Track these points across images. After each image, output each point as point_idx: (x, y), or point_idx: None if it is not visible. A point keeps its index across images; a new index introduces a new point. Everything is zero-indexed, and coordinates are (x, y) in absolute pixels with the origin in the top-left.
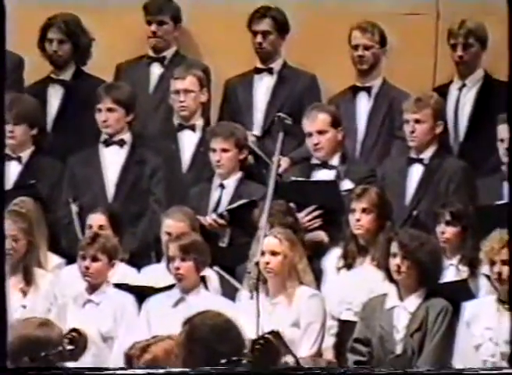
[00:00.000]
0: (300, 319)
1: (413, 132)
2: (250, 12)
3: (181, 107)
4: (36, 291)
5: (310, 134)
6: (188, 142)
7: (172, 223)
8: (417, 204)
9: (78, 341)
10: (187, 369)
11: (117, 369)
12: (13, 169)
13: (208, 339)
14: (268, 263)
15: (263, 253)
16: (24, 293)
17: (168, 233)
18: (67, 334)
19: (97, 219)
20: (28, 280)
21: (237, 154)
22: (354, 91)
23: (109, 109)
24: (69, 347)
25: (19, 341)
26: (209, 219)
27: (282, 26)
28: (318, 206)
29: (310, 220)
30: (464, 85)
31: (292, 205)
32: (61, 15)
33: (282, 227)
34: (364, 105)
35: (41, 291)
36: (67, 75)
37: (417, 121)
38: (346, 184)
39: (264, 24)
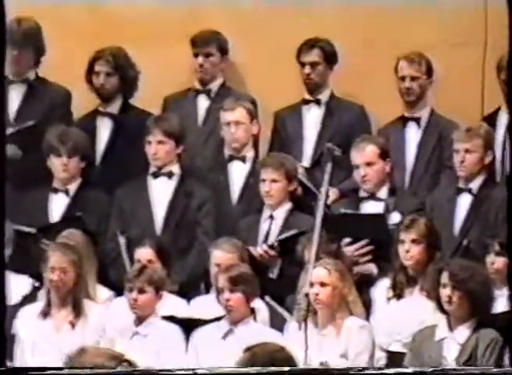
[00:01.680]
0: (349, 351)
1: (463, 162)
2: (295, 43)
3: (232, 139)
4: (85, 323)
5: (357, 166)
6: (238, 174)
7: (221, 255)
8: (467, 234)
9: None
10: (188, 369)
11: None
12: (61, 202)
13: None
14: (317, 294)
15: (312, 284)
16: (73, 325)
17: (218, 265)
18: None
19: (145, 253)
20: (77, 312)
21: (287, 185)
22: (403, 121)
23: (159, 142)
24: None
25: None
26: (259, 249)
27: (330, 57)
28: (367, 240)
29: (360, 254)
30: None
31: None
32: (108, 48)
33: (326, 256)
34: (413, 135)
35: (90, 323)
36: (114, 108)
37: (467, 151)
38: (395, 217)
39: (313, 55)
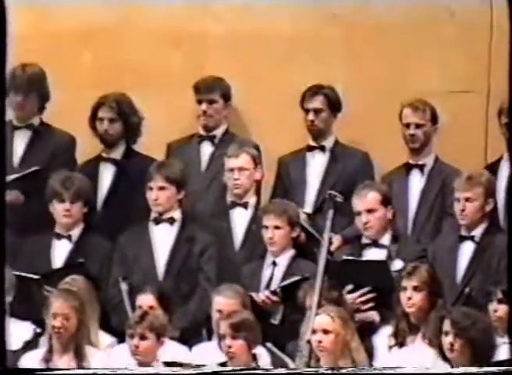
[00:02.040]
0: None
1: (463, 210)
2: (299, 90)
3: (235, 185)
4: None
5: (359, 213)
6: (240, 220)
7: (222, 301)
8: (469, 281)
9: None
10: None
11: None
12: (63, 248)
13: None
14: (320, 342)
15: (314, 331)
16: None
17: (219, 311)
18: None
19: (146, 299)
20: (79, 358)
21: (289, 231)
22: (407, 168)
23: (160, 188)
24: None
25: None
26: (262, 295)
27: (334, 104)
28: (370, 287)
29: (363, 301)
30: None
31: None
32: (112, 94)
33: (328, 303)
34: (416, 182)
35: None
36: (118, 153)
37: (467, 199)
38: (397, 264)
39: (317, 102)
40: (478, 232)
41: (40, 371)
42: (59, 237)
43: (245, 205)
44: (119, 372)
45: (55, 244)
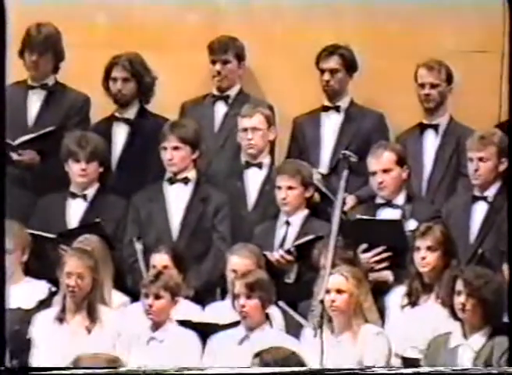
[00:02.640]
0: (365, 357)
1: (477, 170)
2: (315, 50)
3: (249, 145)
4: (100, 328)
5: (374, 173)
6: (254, 180)
7: (237, 261)
8: (482, 242)
9: None
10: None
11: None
12: (79, 207)
13: None
14: (333, 301)
15: (328, 291)
16: (89, 330)
17: (234, 271)
18: None
19: (160, 259)
20: (93, 317)
21: (303, 191)
22: (422, 128)
23: (175, 148)
24: None
25: None
26: (276, 255)
27: (350, 64)
28: (384, 246)
29: (376, 261)
30: None
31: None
32: (125, 54)
33: (343, 263)
34: (431, 142)
35: (106, 328)
36: (131, 113)
37: (480, 159)
38: (412, 224)
39: (333, 62)
40: (491, 192)
41: (40, 371)
42: (74, 196)
43: (259, 165)
44: (120, 371)
45: (70, 203)
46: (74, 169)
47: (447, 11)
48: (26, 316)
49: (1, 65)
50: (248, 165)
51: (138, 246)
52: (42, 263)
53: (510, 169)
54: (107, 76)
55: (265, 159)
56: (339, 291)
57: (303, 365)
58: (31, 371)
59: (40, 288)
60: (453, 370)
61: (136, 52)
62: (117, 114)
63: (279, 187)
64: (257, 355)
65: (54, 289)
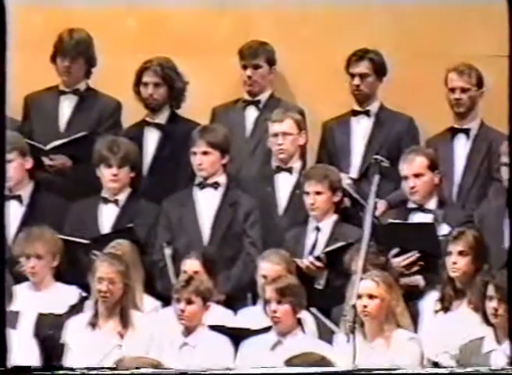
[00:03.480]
0: (397, 363)
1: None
2: (345, 54)
3: (279, 150)
4: (133, 333)
5: (406, 177)
6: (284, 185)
7: (268, 266)
8: None
9: None
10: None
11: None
12: (110, 212)
13: None
14: (365, 306)
15: (359, 296)
16: (121, 336)
17: (265, 276)
18: None
19: (191, 264)
20: (125, 322)
21: (331, 196)
22: (452, 133)
23: (204, 153)
24: None
25: None
26: (306, 261)
27: (379, 69)
28: (415, 251)
29: (408, 265)
30: None
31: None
32: (156, 58)
33: (374, 268)
34: (462, 147)
35: (138, 333)
36: (162, 118)
37: None
38: (444, 229)
39: (363, 66)
40: None
41: (40, 371)
42: (106, 201)
43: (290, 170)
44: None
45: (101, 208)
46: (106, 174)
47: (478, 15)
48: (57, 321)
49: (1, 64)
50: (278, 170)
51: (167, 251)
52: (73, 269)
53: (511, 172)
54: (138, 81)
55: (296, 164)
56: (370, 297)
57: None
58: (31, 370)
59: (71, 293)
60: (491, 370)
61: (167, 57)
62: (148, 119)
63: (307, 193)
64: (288, 360)
65: (84, 294)
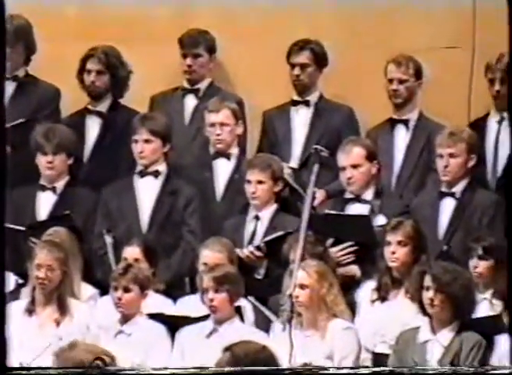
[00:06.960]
0: (334, 352)
1: (446, 166)
2: (285, 44)
3: (217, 140)
4: (70, 321)
5: (343, 168)
6: (223, 170)
7: (209, 254)
8: (450, 238)
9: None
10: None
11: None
12: (48, 199)
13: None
14: (297, 297)
15: (296, 286)
16: (58, 323)
17: (205, 264)
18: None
19: (132, 252)
20: (62, 310)
21: (273, 186)
22: (392, 123)
23: (146, 140)
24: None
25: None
26: (246, 251)
27: (320, 59)
28: (351, 242)
29: (344, 255)
30: (502, 119)
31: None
32: (101, 46)
33: (312, 258)
34: (401, 137)
35: (75, 321)
36: (104, 106)
37: (451, 155)
38: (380, 220)
39: (303, 57)
40: (458, 188)
41: (40, 370)
42: (44, 189)
43: (228, 156)
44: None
45: (39, 196)
46: (42, 161)
47: (419, 6)
48: None
49: (2, 64)
50: (217, 156)
51: (108, 239)
52: (10, 256)
53: (510, 167)
54: (82, 69)
55: (234, 150)
56: (302, 287)
57: (273, 359)
58: (31, 371)
59: (7, 280)
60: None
61: (111, 45)
62: (90, 107)
63: (249, 182)
64: (227, 349)
65: (20, 281)
